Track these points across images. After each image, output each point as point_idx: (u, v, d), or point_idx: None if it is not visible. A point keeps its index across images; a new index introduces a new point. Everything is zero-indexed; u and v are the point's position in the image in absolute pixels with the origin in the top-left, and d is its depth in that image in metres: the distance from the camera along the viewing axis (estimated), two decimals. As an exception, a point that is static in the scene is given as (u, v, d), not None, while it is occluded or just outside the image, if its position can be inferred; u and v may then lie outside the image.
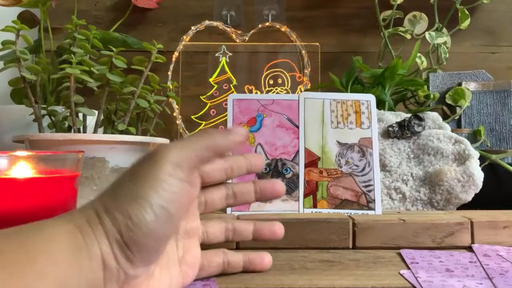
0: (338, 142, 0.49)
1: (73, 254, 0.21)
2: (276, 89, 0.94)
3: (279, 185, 0.34)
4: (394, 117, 0.57)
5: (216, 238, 0.33)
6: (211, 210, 0.32)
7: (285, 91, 0.93)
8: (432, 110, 0.65)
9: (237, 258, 0.33)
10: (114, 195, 0.24)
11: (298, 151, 0.49)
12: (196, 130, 0.92)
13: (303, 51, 0.94)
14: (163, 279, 0.26)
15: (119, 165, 0.53)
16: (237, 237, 0.34)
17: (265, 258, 0.34)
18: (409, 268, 0.34)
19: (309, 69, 0.94)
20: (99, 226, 0.22)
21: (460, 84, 0.68)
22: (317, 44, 0.95)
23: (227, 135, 0.29)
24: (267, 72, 0.94)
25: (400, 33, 0.81)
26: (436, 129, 0.56)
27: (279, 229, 0.34)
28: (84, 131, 0.59)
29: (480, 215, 0.43)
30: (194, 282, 0.30)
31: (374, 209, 0.47)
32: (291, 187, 0.48)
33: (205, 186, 0.31)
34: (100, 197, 0.24)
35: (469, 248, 0.40)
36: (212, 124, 0.92)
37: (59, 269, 0.20)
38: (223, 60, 0.95)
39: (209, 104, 0.93)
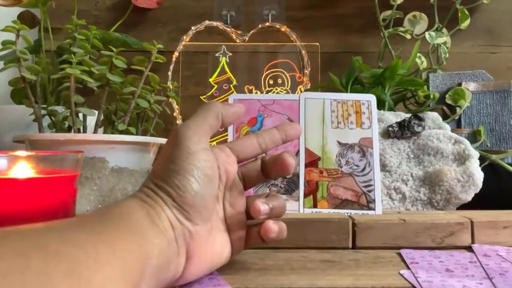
0: (339, 142, 0.49)
1: (148, 220, 0.27)
2: (276, 89, 0.94)
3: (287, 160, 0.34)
4: (394, 117, 0.57)
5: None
6: (255, 183, 0.36)
7: (285, 91, 0.93)
8: (432, 110, 0.65)
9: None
10: (160, 175, 0.30)
11: (298, 151, 0.49)
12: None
13: (303, 51, 0.94)
14: (217, 240, 0.32)
15: (119, 165, 0.53)
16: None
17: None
18: (409, 268, 0.34)
19: (309, 69, 0.94)
20: (158, 198, 0.29)
21: (460, 84, 0.68)
22: (317, 44, 0.95)
23: (228, 107, 0.34)
24: (267, 72, 0.94)
25: (400, 33, 0.81)
26: (436, 129, 0.56)
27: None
28: (84, 131, 0.59)
29: (480, 215, 0.43)
30: (201, 279, 0.31)
31: (374, 209, 0.47)
32: (292, 187, 0.48)
33: (245, 160, 0.35)
34: (150, 179, 0.30)
35: (469, 248, 0.40)
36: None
37: (141, 231, 0.26)
38: (223, 60, 0.95)
39: (209, 104, 0.93)
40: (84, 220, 0.25)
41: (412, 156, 0.54)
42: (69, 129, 0.58)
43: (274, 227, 0.32)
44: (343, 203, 0.47)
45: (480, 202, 0.51)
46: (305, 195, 0.47)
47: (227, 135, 0.51)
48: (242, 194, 0.35)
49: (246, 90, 0.94)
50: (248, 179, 0.36)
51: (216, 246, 0.31)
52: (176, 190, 0.29)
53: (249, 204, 0.34)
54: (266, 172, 0.36)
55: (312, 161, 0.48)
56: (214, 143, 0.91)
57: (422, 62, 0.78)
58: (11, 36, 0.55)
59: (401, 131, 0.54)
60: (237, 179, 0.34)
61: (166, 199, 0.29)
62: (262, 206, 0.32)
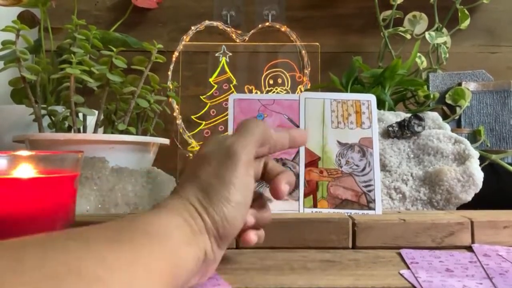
0: (339, 142, 0.49)
1: (186, 245, 0.26)
2: (276, 89, 0.94)
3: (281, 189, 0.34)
4: (394, 117, 0.57)
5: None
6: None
7: (285, 91, 0.93)
8: (432, 110, 0.65)
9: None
10: (206, 194, 0.29)
11: (298, 151, 0.49)
12: (197, 130, 0.92)
13: (303, 51, 0.94)
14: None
15: (119, 165, 0.53)
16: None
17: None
18: (409, 268, 0.34)
19: (309, 69, 0.94)
20: (201, 223, 0.28)
21: (460, 84, 0.68)
22: (317, 44, 0.95)
23: (281, 139, 0.34)
24: (267, 72, 0.94)
25: (400, 33, 0.81)
26: (436, 129, 0.56)
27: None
28: (84, 131, 0.59)
29: (480, 215, 0.43)
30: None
31: (374, 209, 0.47)
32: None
33: None
34: (193, 192, 0.29)
35: (469, 248, 0.40)
36: (212, 124, 0.92)
37: (174, 255, 0.24)
38: (223, 60, 0.95)
39: (209, 104, 0.93)
40: (119, 233, 0.24)
41: (412, 156, 0.54)
42: (69, 129, 0.58)
43: (254, 238, 0.33)
44: (343, 203, 0.47)
45: (480, 202, 0.51)
46: (305, 195, 0.47)
47: (227, 134, 0.51)
48: None
49: (246, 90, 0.94)
50: None
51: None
52: (223, 220, 0.28)
53: None
54: (265, 178, 0.35)
55: (312, 161, 0.48)
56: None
57: (422, 62, 0.78)
58: (11, 36, 0.55)
59: (401, 131, 0.54)
60: None
61: (210, 228, 0.28)
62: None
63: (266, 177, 0.35)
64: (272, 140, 0.33)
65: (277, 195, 0.33)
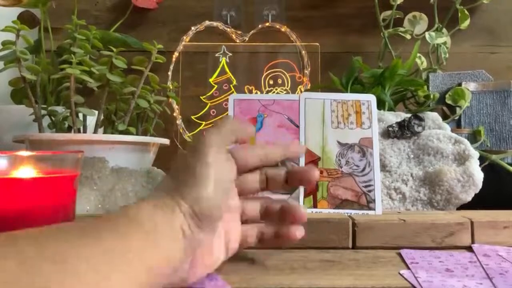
0: (339, 142, 0.49)
1: (161, 227, 0.27)
2: (276, 89, 0.94)
3: (313, 171, 0.35)
4: (394, 117, 0.57)
5: (252, 214, 0.36)
6: (247, 193, 0.37)
7: (285, 91, 0.93)
8: (432, 110, 0.65)
9: (269, 230, 0.35)
10: (176, 179, 0.30)
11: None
12: (197, 130, 0.92)
13: (303, 51, 0.94)
14: (216, 247, 0.32)
15: (119, 165, 0.53)
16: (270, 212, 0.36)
17: (295, 231, 0.35)
18: (409, 268, 0.34)
19: (309, 69, 0.94)
20: (175, 205, 0.28)
21: (460, 84, 0.68)
22: (317, 44, 0.95)
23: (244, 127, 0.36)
24: (267, 73, 0.94)
25: (400, 33, 0.81)
26: (436, 129, 0.56)
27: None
28: (84, 131, 0.59)
29: (480, 215, 0.43)
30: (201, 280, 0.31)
31: (374, 209, 0.47)
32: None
33: (244, 171, 0.35)
34: (164, 181, 0.31)
35: (469, 248, 0.40)
36: (212, 124, 0.92)
37: (149, 243, 0.26)
38: (223, 60, 0.95)
39: (209, 104, 0.93)
40: (95, 229, 0.25)
41: (412, 156, 0.54)
42: (69, 129, 0.58)
43: (301, 232, 0.34)
44: (343, 203, 0.47)
45: (480, 202, 0.51)
46: (305, 195, 0.47)
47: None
48: (237, 201, 0.35)
49: (246, 90, 0.94)
50: (245, 188, 0.36)
51: (215, 252, 0.32)
52: (195, 196, 0.29)
53: (248, 207, 0.36)
54: (288, 181, 0.36)
55: (312, 161, 0.48)
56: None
57: (422, 62, 0.78)
58: (11, 36, 0.55)
59: (401, 131, 0.54)
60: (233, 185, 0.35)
61: (182, 206, 0.28)
62: (304, 211, 0.34)
63: (289, 180, 0.36)
64: (245, 132, 0.35)
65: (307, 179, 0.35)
